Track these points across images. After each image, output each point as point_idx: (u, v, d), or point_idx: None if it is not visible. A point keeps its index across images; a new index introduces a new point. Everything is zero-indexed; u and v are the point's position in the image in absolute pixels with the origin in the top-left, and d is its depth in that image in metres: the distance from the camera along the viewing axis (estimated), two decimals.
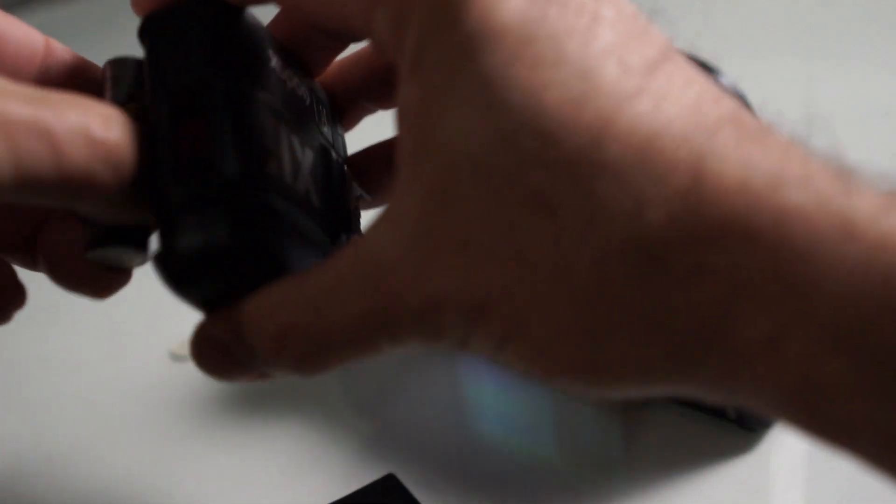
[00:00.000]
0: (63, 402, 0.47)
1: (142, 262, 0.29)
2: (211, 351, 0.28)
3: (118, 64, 0.29)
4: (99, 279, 0.30)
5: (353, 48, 0.31)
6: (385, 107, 0.33)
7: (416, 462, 0.40)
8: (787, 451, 0.38)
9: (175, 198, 0.25)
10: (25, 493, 0.42)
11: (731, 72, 0.47)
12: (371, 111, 0.34)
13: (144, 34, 0.28)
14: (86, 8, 1.01)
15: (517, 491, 0.38)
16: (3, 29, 0.28)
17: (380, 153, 0.33)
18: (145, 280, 0.57)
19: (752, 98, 0.47)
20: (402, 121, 0.24)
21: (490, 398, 0.44)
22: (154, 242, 0.27)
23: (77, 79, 0.30)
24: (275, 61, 0.28)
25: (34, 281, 0.58)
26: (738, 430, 0.39)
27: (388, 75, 0.25)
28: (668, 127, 0.21)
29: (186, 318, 0.52)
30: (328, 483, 0.40)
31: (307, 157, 0.27)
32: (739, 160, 0.21)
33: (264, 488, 0.40)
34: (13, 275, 0.31)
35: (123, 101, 0.27)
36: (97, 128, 0.24)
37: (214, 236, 0.24)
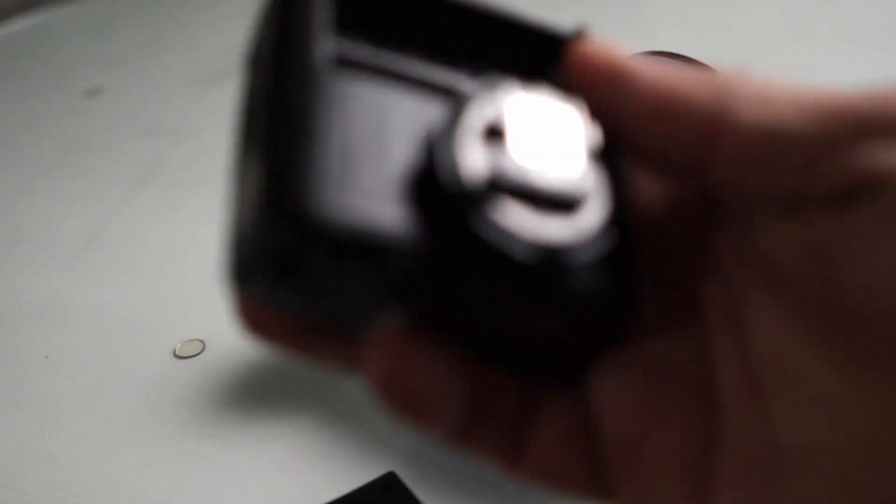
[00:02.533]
0: (67, 400, 0.47)
1: None
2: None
3: None
4: None
5: None
6: None
7: (416, 461, 0.40)
8: None
9: None
10: (29, 491, 0.42)
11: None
12: None
13: None
14: (86, 8, 1.01)
15: (517, 490, 0.38)
16: None
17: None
18: (148, 280, 0.57)
19: None
20: (785, 270, 0.20)
21: None
22: None
23: None
24: None
25: (35, 282, 0.58)
26: None
27: None
28: None
29: (188, 318, 0.52)
30: (329, 481, 0.40)
31: None
32: None
33: (264, 487, 0.41)
34: None
35: None
36: None
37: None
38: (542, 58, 0.22)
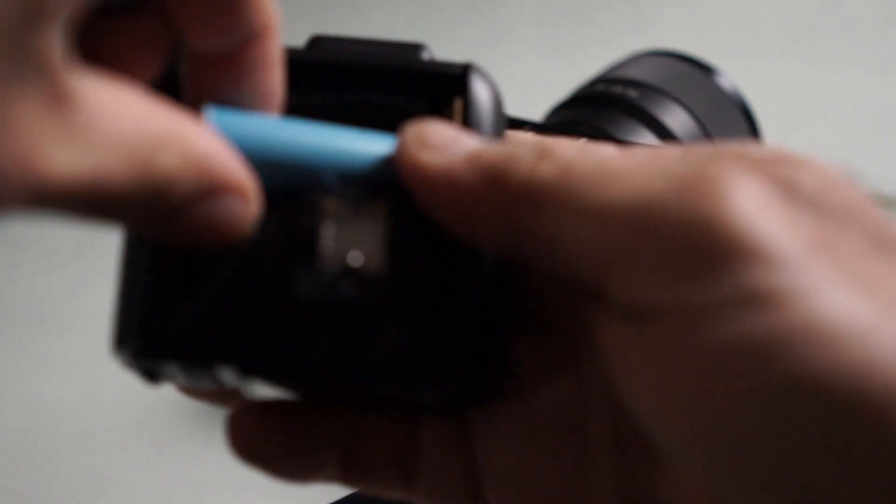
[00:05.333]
0: (63, 401, 0.47)
1: None
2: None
3: None
4: None
5: None
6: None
7: None
8: None
9: None
10: (26, 493, 0.42)
11: (730, 72, 0.47)
12: None
13: None
14: None
15: None
16: None
17: None
18: None
19: (751, 98, 0.47)
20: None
21: None
22: None
23: None
24: None
25: (32, 283, 0.58)
26: None
27: None
28: None
29: None
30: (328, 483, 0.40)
31: None
32: None
33: (265, 488, 0.41)
34: None
35: None
36: None
37: None
38: (437, 98, 0.23)
